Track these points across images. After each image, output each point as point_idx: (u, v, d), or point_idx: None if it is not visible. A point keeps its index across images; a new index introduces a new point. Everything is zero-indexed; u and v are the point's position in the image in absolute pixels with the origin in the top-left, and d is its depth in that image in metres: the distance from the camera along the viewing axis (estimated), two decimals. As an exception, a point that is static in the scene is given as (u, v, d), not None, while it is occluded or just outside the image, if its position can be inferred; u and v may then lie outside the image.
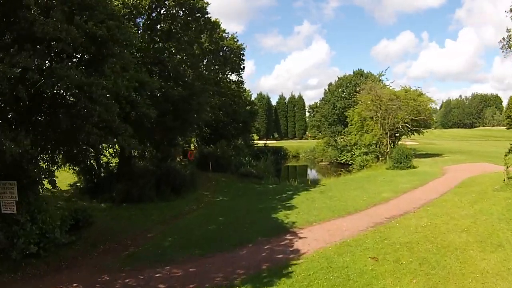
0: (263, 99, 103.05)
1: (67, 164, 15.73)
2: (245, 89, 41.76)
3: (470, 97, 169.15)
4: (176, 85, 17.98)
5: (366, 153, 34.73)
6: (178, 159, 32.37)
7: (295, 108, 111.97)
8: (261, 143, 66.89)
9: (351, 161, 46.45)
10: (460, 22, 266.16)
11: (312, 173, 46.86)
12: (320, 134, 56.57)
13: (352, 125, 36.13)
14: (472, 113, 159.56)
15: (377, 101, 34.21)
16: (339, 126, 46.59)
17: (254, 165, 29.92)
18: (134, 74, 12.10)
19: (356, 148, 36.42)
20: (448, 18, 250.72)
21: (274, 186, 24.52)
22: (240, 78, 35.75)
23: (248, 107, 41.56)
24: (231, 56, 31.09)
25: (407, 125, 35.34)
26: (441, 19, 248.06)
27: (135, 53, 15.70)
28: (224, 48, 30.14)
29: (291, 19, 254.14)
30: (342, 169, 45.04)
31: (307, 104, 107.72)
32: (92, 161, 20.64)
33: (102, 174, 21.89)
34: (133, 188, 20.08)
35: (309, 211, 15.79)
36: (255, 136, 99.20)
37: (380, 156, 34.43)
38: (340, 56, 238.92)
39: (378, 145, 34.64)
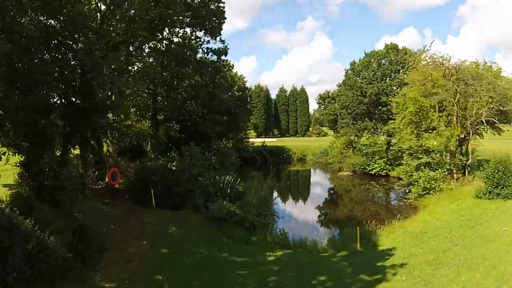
0: (262, 91, 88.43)
1: None
2: (232, 65, 27.70)
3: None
4: None
5: (427, 165, 20.90)
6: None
7: (297, 102, 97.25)
8: (258, 141, 52.87)
9: (385, 171, 32.78)
10: (463, 19, 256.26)
11: (326, 183, 33.13)
12: (337, 132, 42.64)
13: (403, 118, 22.16)
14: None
15: (450, 79, 20.35)
16: (367, 121, 32.66)
17: (240, 191, 15.91)
18: None
19: (410, 156, 22.56)
20: (450, 15, 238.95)
21: (280, 255, 10.69)
22: (221, 45, 21.85)
23: (239, 93, 27.59)
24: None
25: (493, 118, 21.56)
26: (444, 16, 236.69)
27: None
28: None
29: (294, 15, 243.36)
30: (372, 182, 31.38)
31: (310, 99, 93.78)
32: None
33: None
34: None
35: None
36: (252, 133, 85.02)
37: (455, 171, 20.67)
38: (342, 53, 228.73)
39: (451, 153, 20.88)
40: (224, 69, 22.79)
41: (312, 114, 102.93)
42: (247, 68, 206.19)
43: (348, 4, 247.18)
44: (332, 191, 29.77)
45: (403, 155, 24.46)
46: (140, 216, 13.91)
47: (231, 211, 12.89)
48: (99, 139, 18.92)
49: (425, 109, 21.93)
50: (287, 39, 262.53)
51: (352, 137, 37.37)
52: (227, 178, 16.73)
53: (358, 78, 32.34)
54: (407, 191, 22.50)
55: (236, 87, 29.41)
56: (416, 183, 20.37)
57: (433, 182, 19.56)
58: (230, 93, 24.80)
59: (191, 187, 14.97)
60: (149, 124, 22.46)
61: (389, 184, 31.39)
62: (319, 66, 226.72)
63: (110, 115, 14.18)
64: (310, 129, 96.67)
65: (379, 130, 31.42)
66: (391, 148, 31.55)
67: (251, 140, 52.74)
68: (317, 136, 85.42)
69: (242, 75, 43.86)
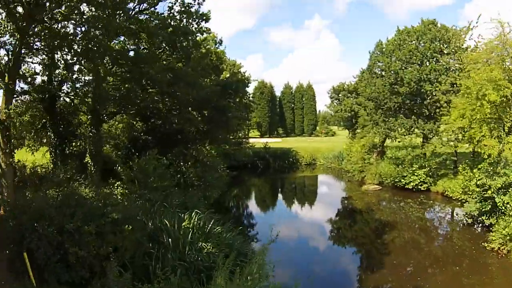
0: (265, 87, 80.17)
1: None
2: (221, 40, 20.07)
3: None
4: None
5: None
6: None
7: (304, 99, 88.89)
8: (261, 142, 45.21)
9: (425, 185, 24.81)
10: (469, 18, 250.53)
11: (349, 203, 25.29)
12: (353, 131, 34.89)
13: (474, 111, 14.33)
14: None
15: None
16: (402, 118, 24.77)
17: (210, 251, 8.13)
18: None
19: (478, 167, 14.67)
20: (458, 13, 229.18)
21: None
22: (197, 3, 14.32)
23: (226, 76, 20.00)
24: None
25: None
26: (451, 15, 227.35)
27: None
28: None
29: (302, 13, 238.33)
30: (409, 200, 22.70)
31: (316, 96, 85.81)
32: None
33: None
34: None
35: None
36: (255, 133, 76.97)
37: None
38: (349, 52, 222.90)
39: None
40: (199, 38, 15.05)
41: (319, 112, 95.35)
42: (253, 66, 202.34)
43: (355, 3, 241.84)
44: (363, 220, 20.38)
45: (461, 166, 16.55)
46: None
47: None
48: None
49: (509, 99, 14.16)
50: (293, 38, 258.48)
51: (376, 139, 29.57)
52: (185, 224, 8.90)
53: (390, 61, 24.43)
54: (468, 215, 14.83)
55: (227, 72, 21.74)
56: (505, 217, 12.52)
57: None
58: (214, 77, 17.29)
59: (107, 246, 7.43)
60: (88, 121, 14.96)
61: (429, 202, 23.49)
62: (326, 65, 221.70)
63: None
64: (317, 128, 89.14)
65: (422, 129, 23.50)
66: (434, 153, 23.62)
67: (252, 141, 45.21)
68: (325, 136, 77.87)
69: (241, 63, 36.34)
